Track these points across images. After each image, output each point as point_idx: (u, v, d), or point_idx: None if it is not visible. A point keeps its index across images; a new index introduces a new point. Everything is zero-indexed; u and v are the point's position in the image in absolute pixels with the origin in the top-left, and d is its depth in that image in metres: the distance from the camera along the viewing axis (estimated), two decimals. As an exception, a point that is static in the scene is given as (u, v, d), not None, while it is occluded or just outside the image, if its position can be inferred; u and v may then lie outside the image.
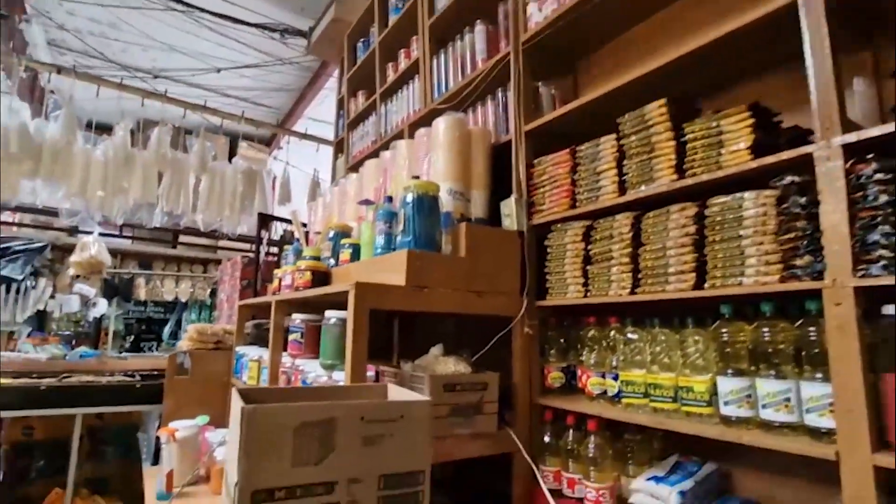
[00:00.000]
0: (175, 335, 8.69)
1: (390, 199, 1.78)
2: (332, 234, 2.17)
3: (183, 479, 2.23)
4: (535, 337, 1.65)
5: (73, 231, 5.16)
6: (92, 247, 3.72)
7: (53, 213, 3.64)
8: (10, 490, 3.66)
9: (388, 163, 2.09)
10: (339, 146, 3.60)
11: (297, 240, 2.75)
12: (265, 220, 3.97)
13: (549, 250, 1.67)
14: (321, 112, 4.92)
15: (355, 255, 1.94)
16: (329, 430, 0.89)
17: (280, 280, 2.24)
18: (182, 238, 7.46)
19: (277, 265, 4.08)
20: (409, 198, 1.52)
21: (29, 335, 7.19)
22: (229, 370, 2.84)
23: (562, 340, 1.67)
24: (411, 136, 2.10)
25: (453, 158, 1.72)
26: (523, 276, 1.66)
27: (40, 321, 7.45)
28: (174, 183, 3.70)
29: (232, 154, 4.10)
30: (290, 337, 1.94)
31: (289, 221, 4.19)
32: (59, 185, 3.41)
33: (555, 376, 1.63)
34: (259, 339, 3.01)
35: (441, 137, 1.76)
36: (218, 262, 7.59)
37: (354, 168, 3.10)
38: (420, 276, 1.43)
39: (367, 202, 1.86)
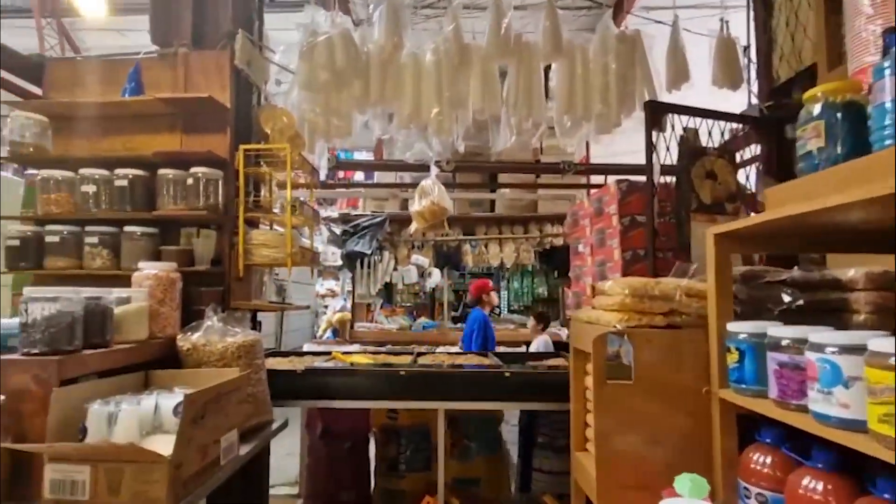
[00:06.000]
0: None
1: None
2: None
3: None
4: None
5: (411, 186, 4.76)
6: (432, 190, 2.94)
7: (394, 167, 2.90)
8: (385, 479, 3.21)
9: None
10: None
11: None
12: (658, 111, 2.44)
13: None
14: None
15: None
16: None
17: None
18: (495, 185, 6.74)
19: (685, 185, 2.49)
20: None
21: (381, 307, 7.83)
22: (704, 369, 1.37)
23: None
24: None
25: None
26: None
27: (388, 293, 8.05)
28: (522, 78, 2.49)
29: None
30: None
31: (696, 112, 2.53)
32: (391, 108, 2.61)
33: None
34: (759, 307, 1.45)
35: None
36: (539, 219, 6.66)
37: None
38: None
39: None
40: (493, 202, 6.97)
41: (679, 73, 2.58)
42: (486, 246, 6.60)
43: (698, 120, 2.53)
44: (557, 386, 2.49)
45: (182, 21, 2.21)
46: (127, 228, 1.96)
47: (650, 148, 2.41)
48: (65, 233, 1.95)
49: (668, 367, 1.43)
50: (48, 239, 1.94)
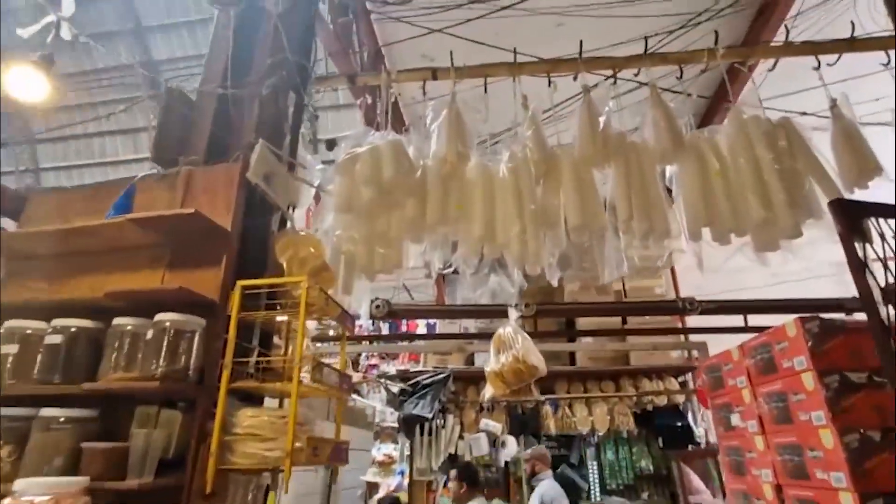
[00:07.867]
0: (582, 478, 6.66)
1: None
2: None
3: None
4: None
5: (477, 337, 4.01)
6: (514, 342, 2.11)
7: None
8: None
9: None
10: None
11: None
12: (853, 212, 1.59)
13: None
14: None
15: None
16: None
17: None
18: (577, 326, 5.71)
19: None
20: None
21: (445, 485, 6.43)
22: None
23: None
24: None
25: None
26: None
27: (451, 467, 6.70)
28: (634, 184, 1.80)
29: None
30: None
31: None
32: (455, 234, 1.96)
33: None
34: None
35: None
36: (633, 373, 5.47)
37: None
38: None
39: None
40: (572, 354, 5.90)
41: (864, 164, 1.78)
42: (569, 407, 5.39)
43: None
44: None
45: (198, 133, 1.78)
46: (43, 412, 1.26)
47: (859, 265, 1.53)
48: (-37, 419, 1.28)
49: None
50: (-68, 430, 1.27)
